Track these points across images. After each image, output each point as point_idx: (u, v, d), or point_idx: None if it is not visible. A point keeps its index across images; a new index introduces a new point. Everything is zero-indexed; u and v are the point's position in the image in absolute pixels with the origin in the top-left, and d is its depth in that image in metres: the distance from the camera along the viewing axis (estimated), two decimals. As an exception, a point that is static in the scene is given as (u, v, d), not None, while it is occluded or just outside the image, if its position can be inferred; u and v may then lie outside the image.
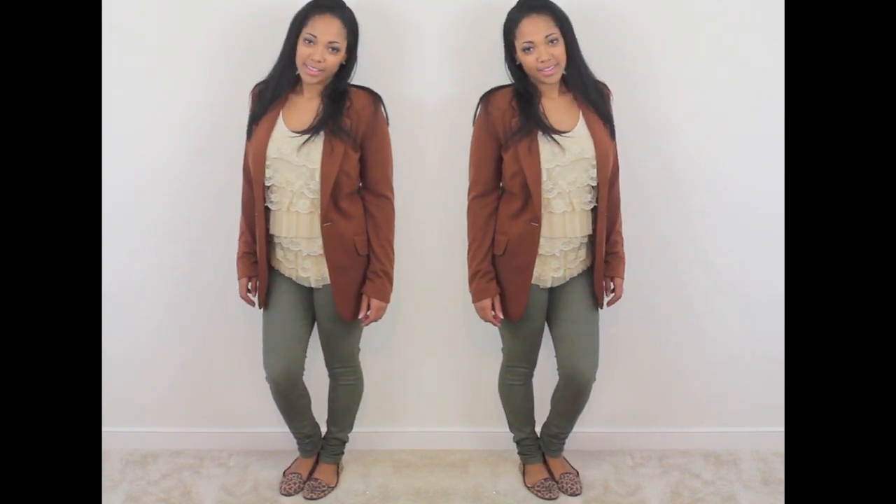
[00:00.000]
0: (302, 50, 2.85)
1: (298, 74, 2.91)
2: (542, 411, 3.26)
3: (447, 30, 3.15)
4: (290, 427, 3.21)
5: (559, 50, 2.85)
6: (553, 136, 2.88)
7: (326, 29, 2.83)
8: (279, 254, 3.01)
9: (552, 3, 2.88)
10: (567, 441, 3.26)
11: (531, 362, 3.15)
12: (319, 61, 2.84)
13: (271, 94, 2.92)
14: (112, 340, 3.34)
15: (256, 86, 2.98)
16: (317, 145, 2.89)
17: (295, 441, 3.26)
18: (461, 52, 3.17)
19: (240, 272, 3.08)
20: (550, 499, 3.17)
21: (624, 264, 3.08)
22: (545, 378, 3.22)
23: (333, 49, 2.85)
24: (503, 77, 2.98)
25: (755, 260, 3.34)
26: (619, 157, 3.03)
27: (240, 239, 3.06)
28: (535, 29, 2.83)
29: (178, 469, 3.37)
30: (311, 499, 3.17)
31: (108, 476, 3.31)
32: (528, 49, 2.85)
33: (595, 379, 3.05)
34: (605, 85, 3.00)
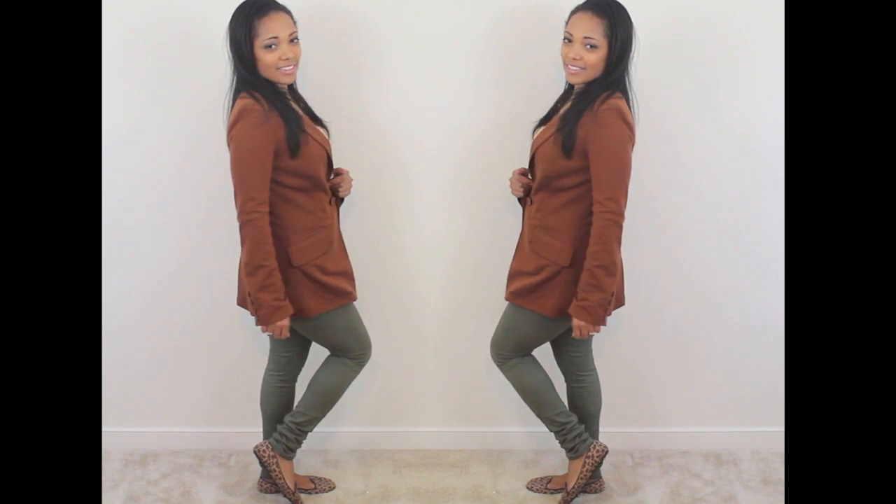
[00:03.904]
0: (268, 58, 2.77)
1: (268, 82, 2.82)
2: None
3: (437, 41, 3.18)
4: (323, 417, 3.13)
5: (592, 57, 2.78)
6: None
7: (282, 26, 2.78)
8: None
9: (614, 13, 2.76)
10: (566, 441, 3.19)
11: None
12: (289, 59, 2.80)
13: (285, 111, 2.80)
14: (112, 340, 3.34)
15: (258, 113, 2.75)
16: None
17: (300, 444, 3.14)
18: (454, 63, 3.20)
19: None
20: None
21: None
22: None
23: (295, 40, 2.82)
24: (497, 88, 2.98)
25: (755, 260, 3.34)
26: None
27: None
28: (580, 26, 2.78)
29: (178, 469, 3.37)
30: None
31: (108, 476, 3.31)
32: (567, 40, 2.82)
33: (494, 359, 3.06)
34: (614, 112, 2.77)
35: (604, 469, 3.31)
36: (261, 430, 3.23)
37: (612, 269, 2.83)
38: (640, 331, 3.41)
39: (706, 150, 3.26)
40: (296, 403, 3.16)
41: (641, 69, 2.96)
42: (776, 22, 3.13)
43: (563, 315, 2.93)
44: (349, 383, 3.09)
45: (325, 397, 3.07)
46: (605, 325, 2.90)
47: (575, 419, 3.11)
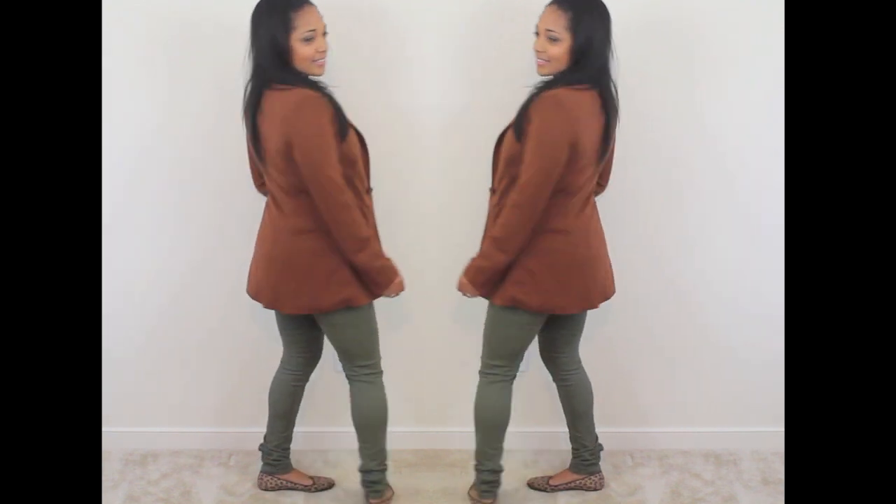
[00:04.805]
0: (305, 50, 2.77)
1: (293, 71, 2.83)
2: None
3: (440, 32, 3.17)
4: (385, 443, 3.11)
5: (555, 50, 2.76)
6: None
7: (317, 19, 2.80)
8: None
9: (580, 7, 2.74)
10: (479, 481, 3.18)
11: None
12: (323, 51, 2.82)
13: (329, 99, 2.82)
14: (112, 340, 3.34)
15: (320, 99, 2.77)
16: None
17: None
18: (458, 55, 3.19)
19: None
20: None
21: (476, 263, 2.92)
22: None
23: (325, 34, 2.84)
24: (499, 80, 2.97)
25: (755, 259, 3.34)
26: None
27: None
28: (544, 19, 2.79)
29: (178, 469, 3.37)
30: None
31: (108, 476, 3.32)
32: (536, 33, 2.82)
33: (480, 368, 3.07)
34: (551, 101, 2.75)
35: (604, 469, 3.32)
36: (259, 430, 3.24)
37: (504, 247, 2.82)
38: (640, 330, 3.41)
39: (699, 147, 3.25)
40: (301, 403, 3.20)
41: (637, 64, 2.96)
42: (775, 18, 3.13)
43: (518, 305, 2.90)
44: (385, 399, 3.05)
45: (375, 427, 3.05)
46: (479, 294, 2.91)
47: (499, 476, 3.12)
